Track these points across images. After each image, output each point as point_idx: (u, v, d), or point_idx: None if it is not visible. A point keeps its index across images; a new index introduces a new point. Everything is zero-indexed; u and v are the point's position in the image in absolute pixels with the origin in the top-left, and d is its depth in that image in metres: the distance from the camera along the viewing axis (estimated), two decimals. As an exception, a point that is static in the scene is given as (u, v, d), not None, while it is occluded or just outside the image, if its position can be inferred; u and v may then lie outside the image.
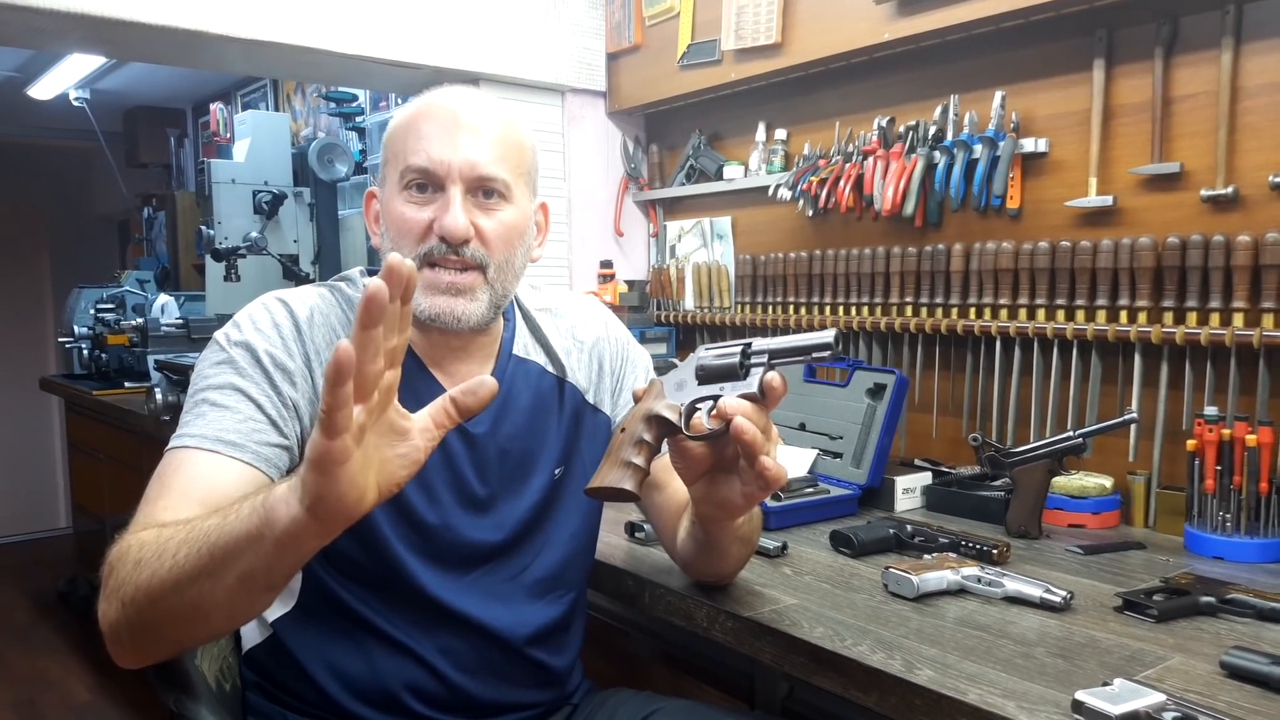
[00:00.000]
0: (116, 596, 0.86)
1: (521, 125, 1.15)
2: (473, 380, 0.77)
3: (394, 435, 0.76)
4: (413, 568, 1.08)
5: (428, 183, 1.07)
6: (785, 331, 2.21)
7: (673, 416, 1.04)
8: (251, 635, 1.14)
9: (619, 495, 1.04)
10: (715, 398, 1.02)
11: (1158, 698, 0.89)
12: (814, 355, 1.00)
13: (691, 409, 1.05)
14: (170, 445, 1.00)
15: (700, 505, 1.08)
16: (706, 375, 1.05)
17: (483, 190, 1.08)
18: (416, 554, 1.09)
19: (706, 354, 1.06)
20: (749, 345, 1.04)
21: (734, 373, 1.03)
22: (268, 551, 0.77)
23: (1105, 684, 0.92)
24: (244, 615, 0.90)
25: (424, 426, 0.78)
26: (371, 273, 1.17)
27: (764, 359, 1.01)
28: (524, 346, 1.22)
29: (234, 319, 1.09)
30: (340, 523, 0.74)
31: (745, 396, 0.99)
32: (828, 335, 0.98)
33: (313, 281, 2.28)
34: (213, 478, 0.96)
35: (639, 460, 1.04)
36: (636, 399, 1.08)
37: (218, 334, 1.07)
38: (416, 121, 1.09)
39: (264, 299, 1.10)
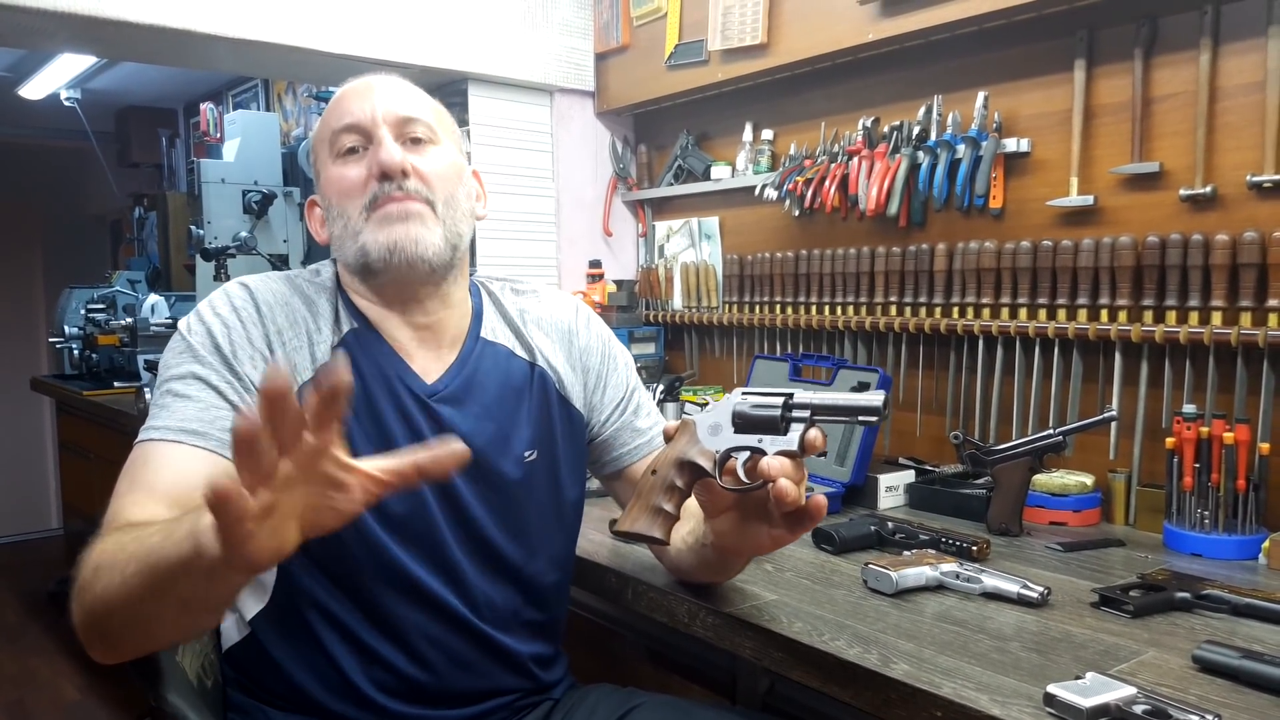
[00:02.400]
0: (80, 599, 0.87)
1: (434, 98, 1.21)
2: (444, 448, 0.74)
3: (329, 486, 0.73)
4: (381, 554, 1.08)
5: (357, 143, 1.12)
6: (772, 330, 2.23)
7: (706, 464, 1.03)
8: (231, 634, 1.13)
9: (648, 540, 1.06)
10: (750, 448, 1.01)
11: (1129, 691, 0.89)
12: (860, 418, 0.97)
13: (726, 456, 1.03)
14: (138, 438, 1.01)
15: (724, 539, 1.08)
16: (744, 424, 1.02)
17: (410, 137, 1.13)
18: (385, 541, 1.08)
19: (744, 402, 1.03)
20: (790, 397, 1.00)
21: (774, 426, 1.00)
22: (199, 582, 0.76)
23: (1078, 678, 0.93)
24: (192, 631, 0.90)
25: (366, 483, 0.74)
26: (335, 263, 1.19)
27: (806, 415, 0.99)
28: (491, 330, 1.23)
29: (196, 307, 1.10)
30: (262, 570, 0.75)
31: (784, 453, 0.97)
32: (877, 398, 0.95)
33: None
34: (178, 469, 0.97)
35: (669, 507, 1.04)
36: (668, 438, 1.07)
37: (180, 323, 1.09)
38: (336, 104, 1.16)
39: (226, 285, 1.13)
